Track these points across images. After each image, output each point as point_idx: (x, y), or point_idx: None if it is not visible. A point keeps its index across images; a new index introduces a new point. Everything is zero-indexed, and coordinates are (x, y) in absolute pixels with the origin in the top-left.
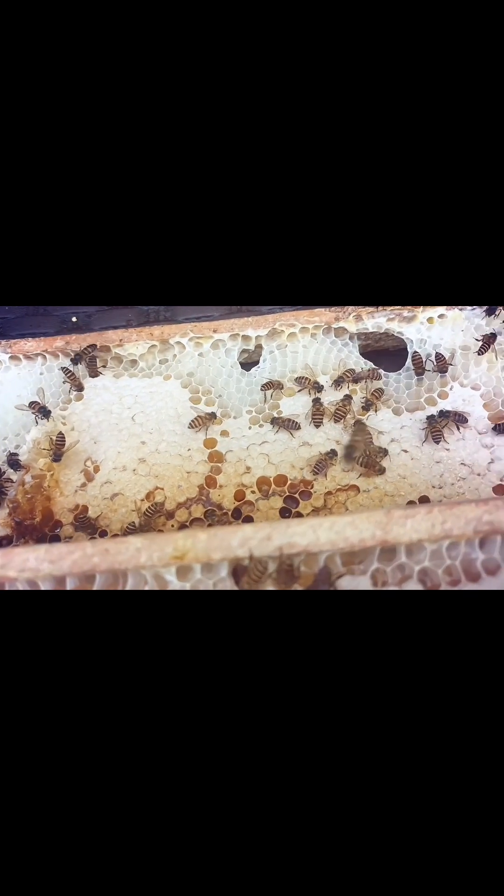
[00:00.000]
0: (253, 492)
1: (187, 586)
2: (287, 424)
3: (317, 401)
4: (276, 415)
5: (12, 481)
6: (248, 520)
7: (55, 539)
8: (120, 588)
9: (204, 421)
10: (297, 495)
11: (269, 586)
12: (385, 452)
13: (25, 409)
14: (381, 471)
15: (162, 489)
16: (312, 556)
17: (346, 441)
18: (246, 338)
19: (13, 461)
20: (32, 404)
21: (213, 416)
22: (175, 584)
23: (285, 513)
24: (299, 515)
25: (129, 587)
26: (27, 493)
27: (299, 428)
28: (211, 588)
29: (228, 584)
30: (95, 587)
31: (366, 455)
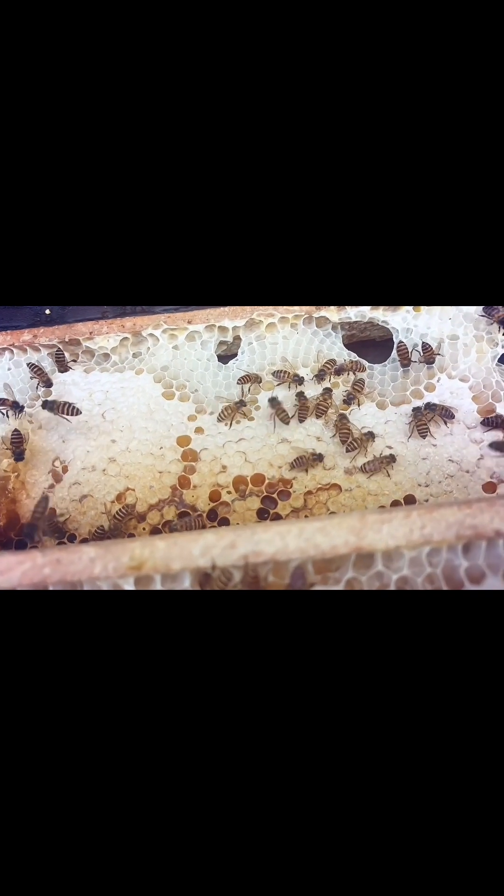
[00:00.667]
0: (229, 492)
1: None
2: (281, 415)
3: (301, 395)
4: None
5: None
6: (225, 522)
7: (21, 544)
8: None
9: (233, 411)
10: (275, 495)
11: None
12: (371, 436)
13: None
14: (392, 459)
15: (133, 490)
16: (281, 564)
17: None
18: (223, 329)
19: None
20: (1, 402)
21: (242, 403)
22: None
23: (263, 514)
24: (278, 516)
25: None
26: None
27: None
28: None
29: None
30: None
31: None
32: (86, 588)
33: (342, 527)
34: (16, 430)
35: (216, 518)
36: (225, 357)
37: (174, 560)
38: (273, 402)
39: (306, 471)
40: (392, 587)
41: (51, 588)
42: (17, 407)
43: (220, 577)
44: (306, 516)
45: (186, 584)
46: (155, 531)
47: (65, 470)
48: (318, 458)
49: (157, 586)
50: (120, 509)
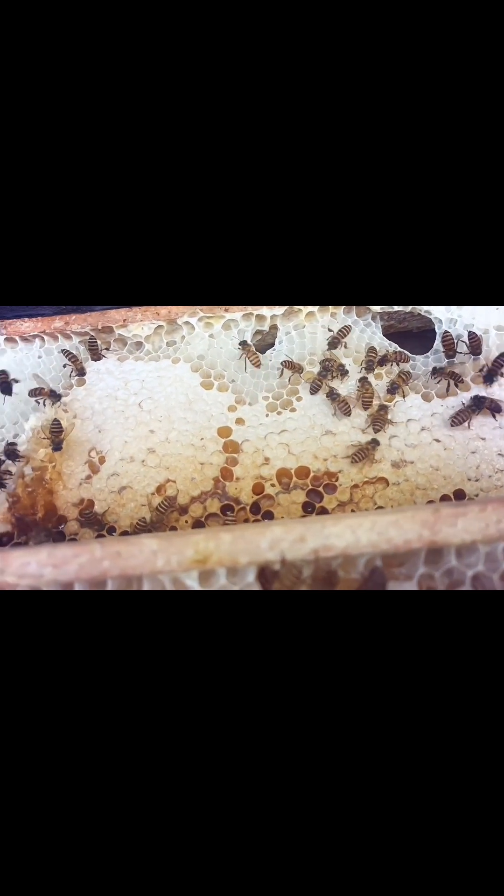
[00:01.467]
0: (273, 485)
1: None
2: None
3: (332, 391)
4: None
5: (11, 473)
6: (269, 515)
7: (59, 535)
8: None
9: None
10: (321, 488)
11: None
12: (385, 409)
13: (36, 397)
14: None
15: (174, 482)
16: (350, 559)
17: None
18: (260, 317)
19: (10, 451)
20: (35, 391)
21: (376, 442)
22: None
23: (308, 507)
24: (324, 510)
25: None
26: (27, 487)
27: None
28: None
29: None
30: None
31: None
32: (145, 584)
33: (416, 520)
34: (55, 419)
35: (259, 511)
36: (262, 347)
37: (241, 553)
38: (332, 394)
39: (370, 461)
40: (466, 584)
41: (109, 582)
42: (54, 395)
43: (290, 572)
44: (353, 510)
45: (251, 578)
46: (198, 524)
47: (101, 461)
48: (375, 443)
49: (222, 581)
50: (161, 502)
